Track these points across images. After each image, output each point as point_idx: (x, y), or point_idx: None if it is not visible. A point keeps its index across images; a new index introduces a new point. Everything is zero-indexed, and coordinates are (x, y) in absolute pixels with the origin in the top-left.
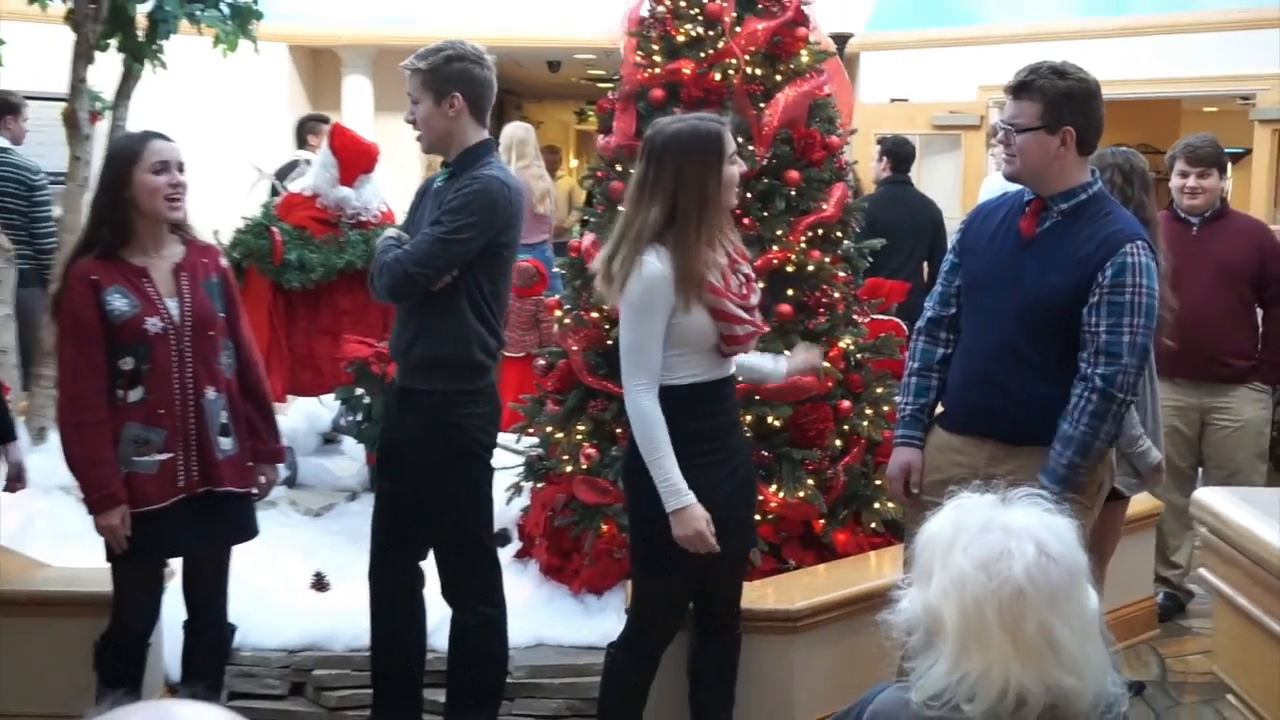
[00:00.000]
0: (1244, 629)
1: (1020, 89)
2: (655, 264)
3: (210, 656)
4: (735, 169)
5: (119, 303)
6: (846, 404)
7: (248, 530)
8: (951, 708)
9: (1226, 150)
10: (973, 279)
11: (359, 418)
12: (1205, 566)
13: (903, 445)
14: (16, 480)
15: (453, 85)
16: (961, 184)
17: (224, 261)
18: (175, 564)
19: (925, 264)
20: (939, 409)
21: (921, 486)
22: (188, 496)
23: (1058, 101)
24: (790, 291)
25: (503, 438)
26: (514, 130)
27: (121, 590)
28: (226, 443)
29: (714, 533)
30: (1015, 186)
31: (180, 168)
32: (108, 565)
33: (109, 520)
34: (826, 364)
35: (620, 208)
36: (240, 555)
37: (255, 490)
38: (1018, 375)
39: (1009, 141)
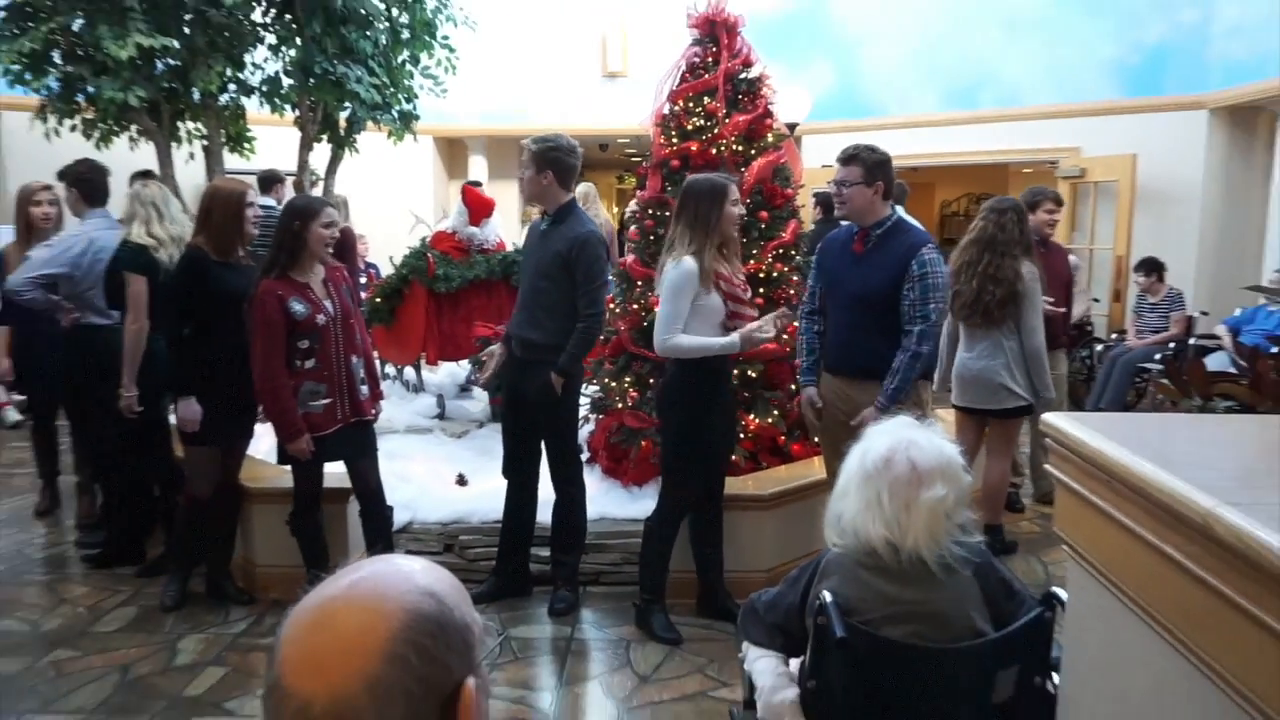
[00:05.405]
0: (1075, 503)
1: (849, 159)
2: (689, 262)
3: (383, 530)
4: (736, 209)
5: (298, 307)
6: (798, 361)
7: (375, 444)
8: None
9: None
10: (830, 282)
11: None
12: (1049, 463)
13: (806, 386)
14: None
15: (547, 165)
16: None
17: (347, 274)
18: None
19: None
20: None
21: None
22: (343, 425)
23: (873, 166)
24: (762, 290)
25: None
26: (582, 188)
27: (308, 480)
28: (364, 389)
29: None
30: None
31: (337, 226)
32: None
33: (299, 445)
34: (786, 336)
35: (652, 237)
36: (411, 465)
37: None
38: (858, 338)
39: (840, 193)
